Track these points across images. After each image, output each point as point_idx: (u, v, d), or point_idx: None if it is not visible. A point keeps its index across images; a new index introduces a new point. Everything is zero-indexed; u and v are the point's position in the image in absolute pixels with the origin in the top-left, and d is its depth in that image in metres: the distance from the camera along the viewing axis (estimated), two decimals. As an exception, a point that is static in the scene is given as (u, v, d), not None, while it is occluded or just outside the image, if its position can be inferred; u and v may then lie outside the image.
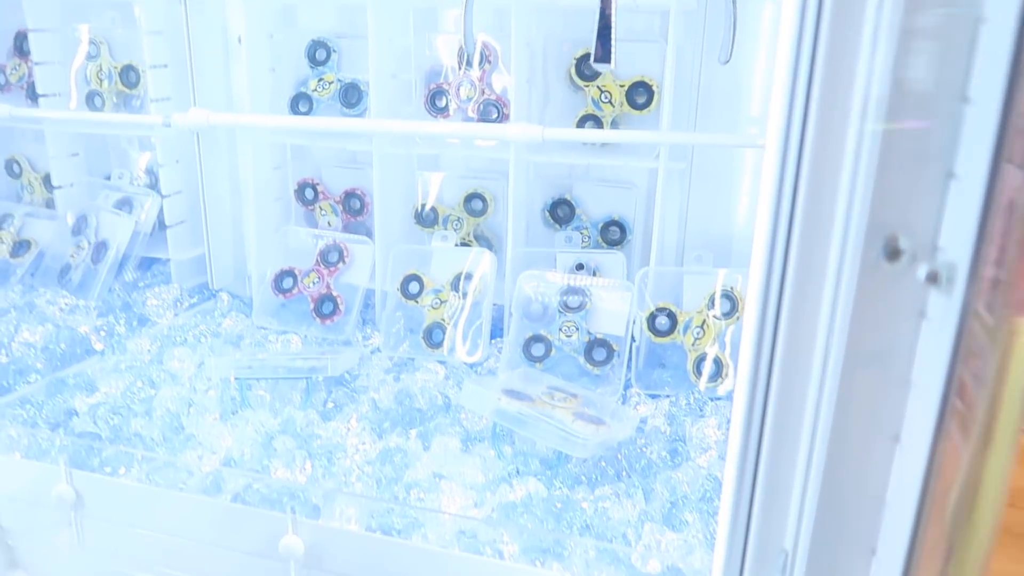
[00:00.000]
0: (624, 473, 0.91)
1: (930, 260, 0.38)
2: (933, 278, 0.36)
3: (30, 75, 1.45)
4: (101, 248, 1.36)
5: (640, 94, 1.17)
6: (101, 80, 1.38)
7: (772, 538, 0.51)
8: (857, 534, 0.46)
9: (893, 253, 0.39)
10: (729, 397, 1.07)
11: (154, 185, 1.41)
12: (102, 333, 1.21)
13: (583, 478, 0.90)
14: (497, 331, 1.23)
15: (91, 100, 1.40)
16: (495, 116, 1.21)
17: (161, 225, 1.39)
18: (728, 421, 0.99)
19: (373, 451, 0.94)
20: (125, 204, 1.41)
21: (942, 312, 0.38)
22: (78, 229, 1.39)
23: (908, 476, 0.41)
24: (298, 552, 0.79)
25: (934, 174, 0.39)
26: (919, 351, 0.41)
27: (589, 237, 1.26)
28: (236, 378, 1.05)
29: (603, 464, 0.92)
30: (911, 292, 0.41)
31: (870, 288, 0.42)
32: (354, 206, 1.37)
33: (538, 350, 1.13)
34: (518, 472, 0.90)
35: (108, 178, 1.47)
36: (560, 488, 0.88)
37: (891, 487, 0.45)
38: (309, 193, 1.39)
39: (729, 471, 0.53)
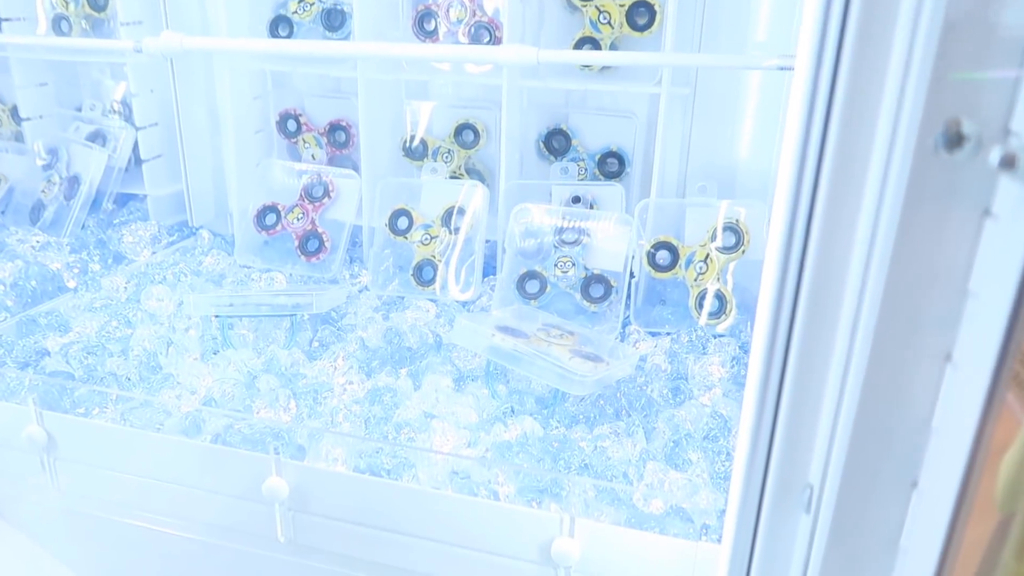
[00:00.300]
0: (624, 412, 0.89)
1: (1002, 144, 0.33)
2: (1009, 163, 0.30)
3: (-9, -1, 1.36)
4: (73, 183, 1.30)
5: (641, 14, 1.11)
6: (67, 2, 1.30)
7: (796, 470, 0.47)
8: (897, 464, 0.42)
9: (954, 140, 0.34)
10: (733, 334, 1.05)
11: (128, 117, 1.35)
12: (75, 270, 1.16)
13: (581, 417, 0.88)
14: (490, 268, 1.21)
15: (58, 25, 1.33)
16: (487, 39, 1.16)
17: (137, 160, 1.35)
18: (733, 359, 0.97)
19: (361, 391, 0.92)
20: (98, 137, 1.35)
21: (1013, 206, 0.33)
22: (49, 164, 1.33)
23: (962, 399, 0.37)
24: (282, 494, 0.76)
25: (1007, 45, 0.33)
26: (980, 256, 0.36)
27: (586, 169, 1.23)
28: (217, 316, 1.02)
29: (601, 403, 0.90)
30: (975, 185, 0.36)
31: (923, 184, 0.37)
32: (339, 138, 1.33)
33: (533, 287, 1.11)
34: (513, 411, 0.89)
35: (79, 110, 1.40)
36: (557, 427, 0.87)
37: (939, 411, 0.40)
38: (291, 125, 1.35)
39: (749, 393, 0.49)
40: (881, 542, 0.44)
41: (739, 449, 0.52)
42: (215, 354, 0.99)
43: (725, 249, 1.07)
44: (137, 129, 1.31)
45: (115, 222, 1.31)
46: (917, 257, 0.39)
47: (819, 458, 0.47)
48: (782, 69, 0.99)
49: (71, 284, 1.15)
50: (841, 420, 0.46)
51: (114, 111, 1.39)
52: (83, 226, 1.27)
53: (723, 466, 0.79)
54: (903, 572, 0.44)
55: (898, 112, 0.38)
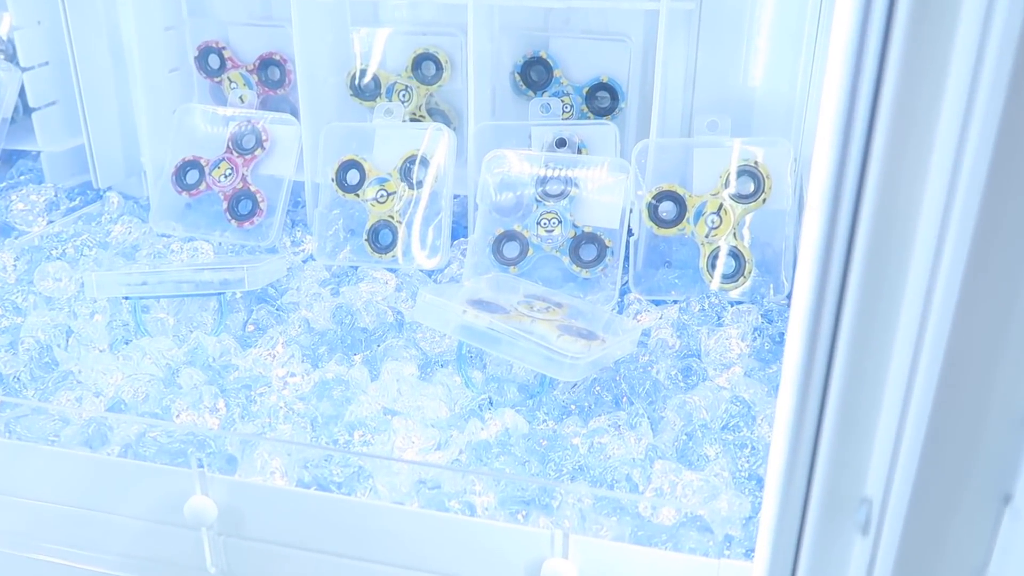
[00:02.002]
0: (625, 399, 0.86)
1: None
2: None
3: None
4: (-52, 139, 1.23)
5: (634, -87, 1.05)
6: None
7: (849, 480, 0.43)
8: (985, 472, 0.38)
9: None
10: (753, 299, 1.01)
11: (12, 56, 1.28)
12: (-48, 247, 1.10)
13: (573, 408, 0.85)
14: (460, 229, 1.17)
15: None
16: (447, -52, 1.10)
17: (25, 108, 1.29)
18: (755, 330, 0.94)
19: (306, 384, 0.88)
20: (-25, 82, 1.27)
21: None
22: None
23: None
24: (210, 516, 0.73)
25: None
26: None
27: (572, 105, 1.19)
28: (128, 298, 0.98)
29: (597, 389, 0.87)
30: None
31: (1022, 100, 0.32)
32: (272, 76, 1.28)
33: (512, 250, 1.07)
34: (491, 403, 0.85)
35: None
36: (545, 421, 0.83)
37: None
38: (214, 61, 1.29)
39: (788, 377, 0.45)
40: (963, 573, 0.40)
41: (774, 453, 0.47)
42: (126, 344, 0.95)
43: (741, 198, 1.04)
44: (23, 70, 1.26)
45: (0, 185, 1.26)
46: (1017, 193, 0.33)
47: (880, 464, 0.42)
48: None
49: (-53, 264, 1.09)
50: (911, 413, 0.41)
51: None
52: (-38, 192, 1.22)
53: (747, 462, 0.76)
54: (988, 607, 0.40)
55: (989, 10, 0.33)
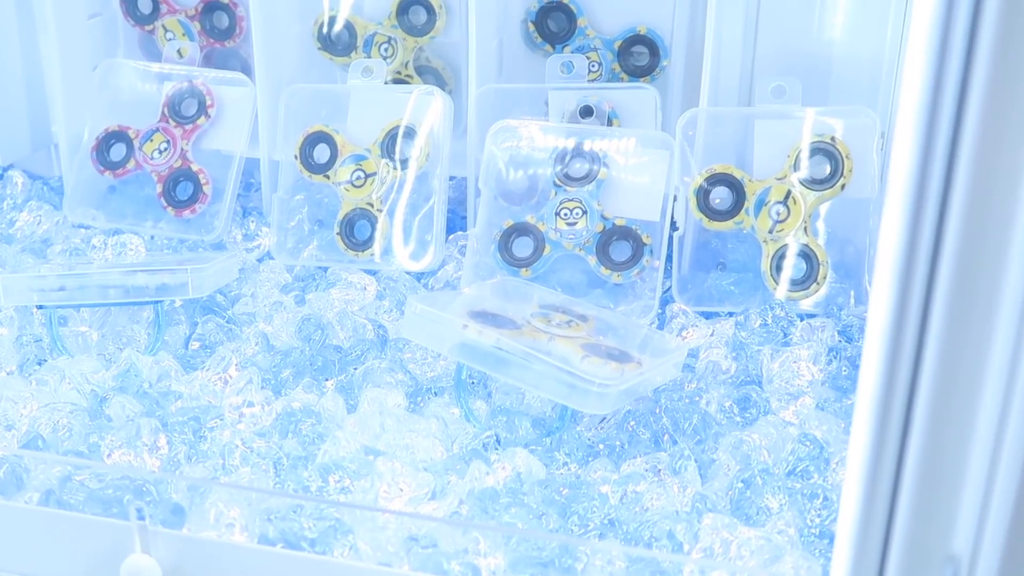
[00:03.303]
0: (666, 437, 0.90)
1: None
2: None
3: None
4: None
5: None
6: None
7: (934, 537, 0.47)
8: None
9: None
10: (828, 312, 1.05)
11: None
12: None
13: (601, 447, 0.88)
14: (457, 220, 1.21)
15: None
16: None
17: None
18: (831, 351, 0.98)
19: (267, 417, 0.92)
20: None
21: None
22: None
23: None
24: None
25: None
26: None
27: (600, 63, 1.22)
28: (41, 307, 1.02)
29: (632, 424, 0.90)
30: None
31: None
32: (219, 23, 1.32)
33: (524, 248, 1.10)
34: (499, 442, 0.89)
35: None
36: (566, 464, 0.87)
37: None
38: (145, 4, 1.33)
39: (861, 413, 0.49)
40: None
41: (846, 503, 0.51)
42: (39, 365, 0.99)
43: (815, 183, 1.07)
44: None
45: None
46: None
47: (969, 517, 0.47)
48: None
49: None
50: (1004, 457, 0.46)
51: None
52: None
53: (818, 516, 0.80)
54: None
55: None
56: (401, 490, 0.82)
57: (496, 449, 0.88)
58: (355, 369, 0.98)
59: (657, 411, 0.91)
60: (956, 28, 0.44)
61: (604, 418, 0.91)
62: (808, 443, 0.86)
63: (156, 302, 1.02)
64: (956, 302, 0.46)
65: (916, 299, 0.46)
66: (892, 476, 0.48)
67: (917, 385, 0.47)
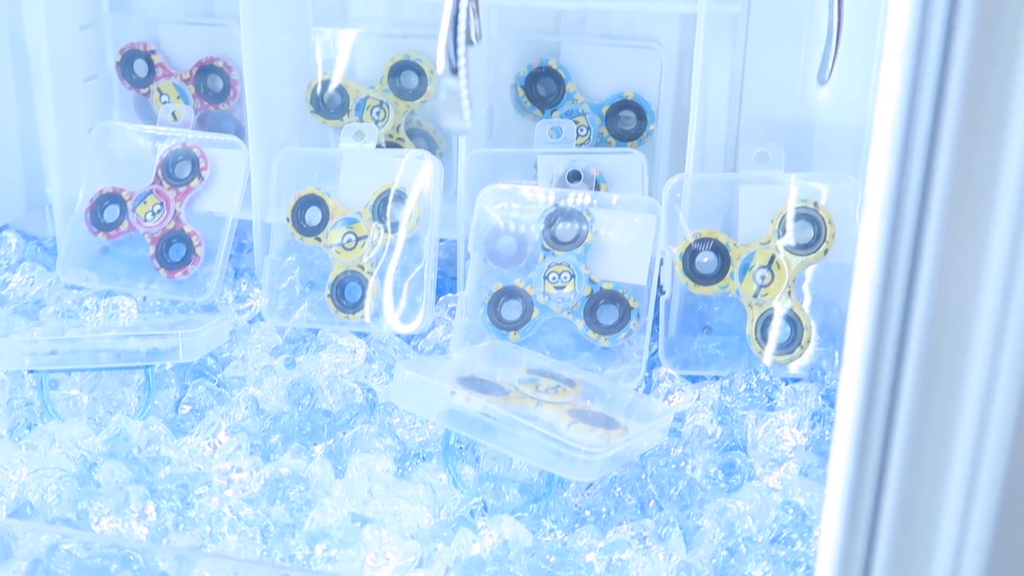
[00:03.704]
0: (652, 504, 0.90)
1: None
2: None
3: None
4: None
5: None
6: None
7: None
8: None
9: None
10: (813, 376, 1.06)
11: None
12: None
13: (588, 514, 0.89)
14: (447, 283, 1.21)
15: None
16: (433, -64, 1.16)
17: None
18: (815, 415, 0.99)
19: (255, 483, 0.92)
20: None
21: None
22: None
23: None
24: None
25: None
26: None
27: (588, 128, 1.24)
28: (32, 371, 1.02)
29: (618, 491, 0.91)
30: None
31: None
32: (213, 87, 1.33)
33: (512, 311, 1.11)
34: (486, 508, 0.89)
35: None
36: (552, 531, 0.87)
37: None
38: (140, 67, 1.34)
39: (835, 478, 0.49)
40: None
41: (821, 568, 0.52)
42: (29, 430, 0.99)
43: (799, 248, 1.08)
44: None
45: None
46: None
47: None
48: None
49: None
50: (974, 526, 0.46)
51: None
52: None
53: (803, 585, 0.80)
54: None
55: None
56: (388, 559, 0.82)
57: (483, 515, 0.88)
58: (344, 434, 0.98)
59: (643, 477, 0.91)
60: (923, 92, 0.45)
61: (591, 484, 0.91)
62: (791, 510, 0.86)
63: (147, 366, 1.02)
64: (924, 373, 0.46)
65: (886, 365, 0.47)
66: (865, 540, 0.49)
67: (890, 444, 0.48)
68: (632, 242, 1.11)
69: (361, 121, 1.26)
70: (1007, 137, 0.44)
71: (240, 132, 1.29)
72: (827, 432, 0.97)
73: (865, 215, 0.48)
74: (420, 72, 1.26)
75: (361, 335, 1.13)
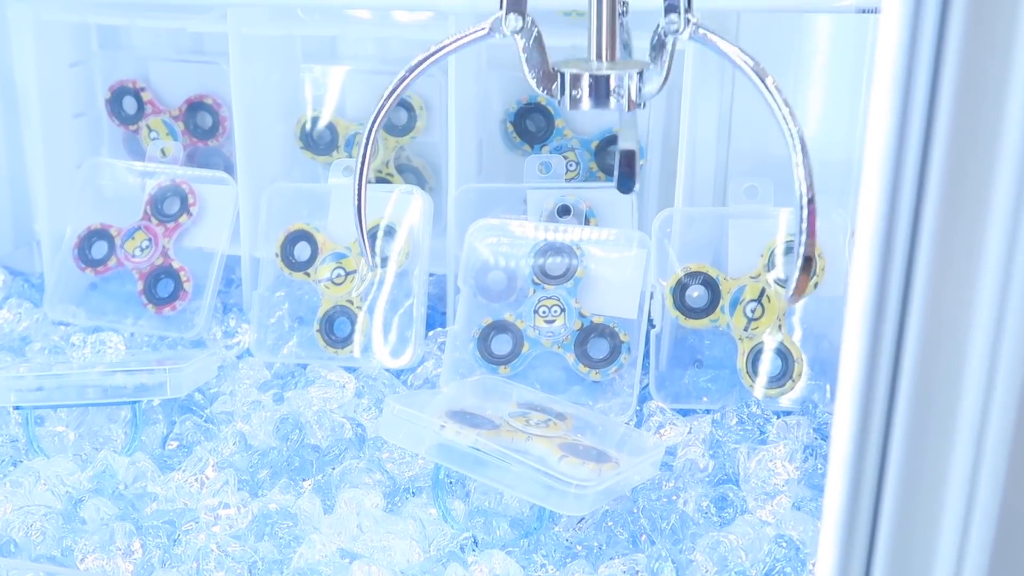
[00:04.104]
0: (644, 538, 0.89)
1: None
2: None
3: None
4: None
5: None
6: None
7: None
8: None
9: None
10: (804, 409, 1.06)
11: None
12: None
13: (579, 548, 0.88)
14: (437, 318, 1.21)
15: None
16: (423, -27, 1.18)
17: None
18: (806, 448, 0.99)
19: (243, 519, 0.91)
20: None
21: None
22: None
23: None
24: None
25: None
26: None
27: (578, 163, 1.25)
28: (18, 408, 1.02)
29: (610, 524, 0.90)
30: None
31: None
32: (202, 123, 1.34)
33: (502, 345, 1.12)
34: (476, 544, 0.89)
35: None
36: (544, 567, 0.87)
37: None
38: (130, 104, 1.35)
39: (830, 514, 0.49)
40: None
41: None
42: (14, 467, 0.98)
43: (788, 281, 1.08)
44: None
45: None
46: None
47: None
48: (863, 12, 1.00)
49: None
50: (971, 552, 0.46)
51: None
52: None
53: (796, 620, 0.79)
54: None
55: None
56: (377, 594, 0.82)
57: (473, 551, 0.87)
58: (332, 469, 0.98)
59: (635, 511, 0.91)
60: (912, 124, 0.45)
61: (582, 519, 0.91)
62: (784, 544, 0.86)
63: (134, 402, 1.02)
64: (918, 404, 0.46)
65: (879, 399, 0.47)
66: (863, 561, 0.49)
67: (884, 480, 0.48)
68: (622, 276, 1.11)
69: (350, 157, 1.26)
70: (996, 168, 0.44)
71: (229, 168, 1.29)
72: (819, 465, 0.97)
73: (856, 247, 0.48)
74: (410, 108, 1.27)
75: (350, 370, 1.14)
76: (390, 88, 0.84)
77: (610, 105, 0.81)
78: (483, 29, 0.82)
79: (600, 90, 0.80)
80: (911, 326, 0.47)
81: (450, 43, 0.84)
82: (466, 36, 0.83)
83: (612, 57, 0.81)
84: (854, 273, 0.49)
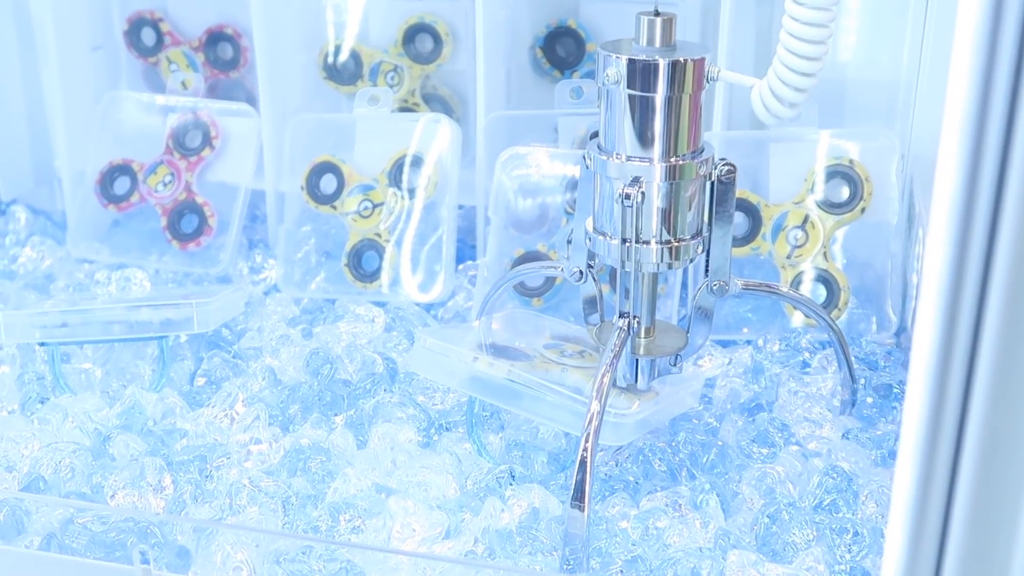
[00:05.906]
0: (685, 471, 0.88)
1: None
2: None
3: None
4: None
5: None
6: None
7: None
8: None
9: None
10: (850, 338, 1.04)
11: None
12: None
13: (619, 483, 0.86)
14: (467, 250, 1.20)
15: None
16: None
17: None
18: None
19: (275, 454, 0.90)
20: None
21: None
22: None
23: None
24: None
25: None
26: None
27: (611, 89, 1.21)
28: (44, 344, 1.01)
29: (649, 456, 0.89)
30: None
31: None
32: (223, 55, 1.33)
33: (535, 278, 1.10)
34: (513, 477, 0.87)
35: None
36: None
37: None
38: (148, 36, 1.34)
39: (905, 456, 0.47)
40: None
41: (890, 547, 0.49)
42: (41, 404, 0.98)
43: (832, 207, 1.07)
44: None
45: None
46: None
47: None
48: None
49: None
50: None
51: None
52: None
53: (848, 552, 0.78)
54: None
55: None
56: (414, 530, 0.81)
57: (511, 485, 0.86)
58: (365, 403, 0.97)
59: (675, 443, 0.89)
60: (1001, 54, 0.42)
61: (620, 450, 0.89)
62: (836, 475, 0.84)
63: (161, 337, 1.01)
64: (1007, 326, 0.44)
65: (964, 328, 0.44)
66: (941, 514, 0.46)
67: (967, 413, 0.45)
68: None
69: (375, 86, 1.25)
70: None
71: (251, 100, 1.29)
72: (867, 395, 0.95)
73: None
74: (435, 35, 1.25)
75: (379, 304, 1.13)
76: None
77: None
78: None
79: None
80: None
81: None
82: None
83: None
84: (937, 196, 0.45)
